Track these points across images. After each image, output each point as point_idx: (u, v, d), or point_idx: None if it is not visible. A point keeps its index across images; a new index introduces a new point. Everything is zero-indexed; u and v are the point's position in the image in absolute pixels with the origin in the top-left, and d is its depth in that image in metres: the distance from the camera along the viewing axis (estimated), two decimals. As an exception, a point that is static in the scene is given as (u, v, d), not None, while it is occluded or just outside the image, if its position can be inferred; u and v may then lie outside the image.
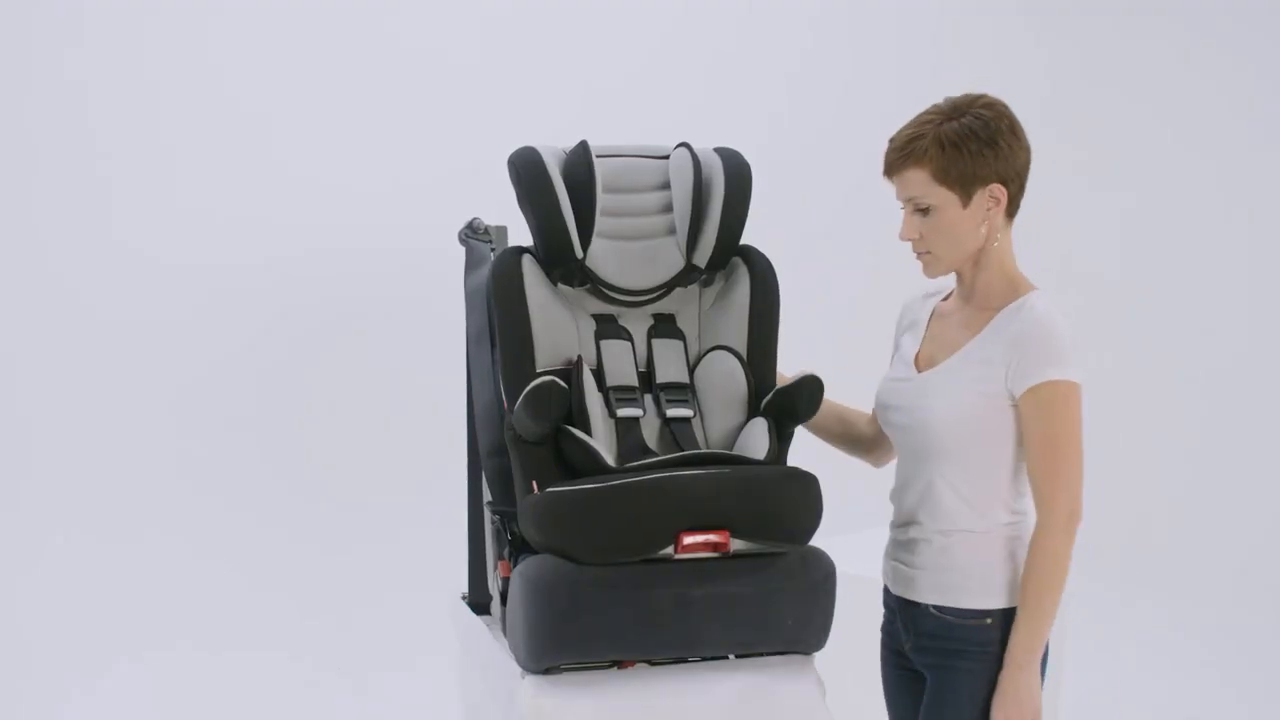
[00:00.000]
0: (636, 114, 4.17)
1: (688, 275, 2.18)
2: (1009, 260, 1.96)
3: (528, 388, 1.87)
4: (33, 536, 3.58)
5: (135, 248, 3.75)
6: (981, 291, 1.96)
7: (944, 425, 1.90)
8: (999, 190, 1.87)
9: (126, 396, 3.74)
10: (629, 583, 1.79)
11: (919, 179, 1.88)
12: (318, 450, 3.95)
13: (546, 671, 1.86)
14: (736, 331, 2.13)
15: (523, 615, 1.82)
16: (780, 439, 2.03)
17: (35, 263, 3.65)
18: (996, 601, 1.90)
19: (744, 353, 2.11)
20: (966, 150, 1.83)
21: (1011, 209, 1.92)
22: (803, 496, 1.90)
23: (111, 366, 3.73)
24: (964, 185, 1.86)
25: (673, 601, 1.80)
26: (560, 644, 1.81)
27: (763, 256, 2.17)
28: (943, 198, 1.87)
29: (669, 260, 2.17)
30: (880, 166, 1.98)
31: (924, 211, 1.90)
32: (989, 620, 1.89)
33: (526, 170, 2.09)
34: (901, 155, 1.89)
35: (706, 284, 2.22)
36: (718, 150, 2.22)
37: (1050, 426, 1.83)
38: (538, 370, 2.00)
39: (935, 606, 1.93)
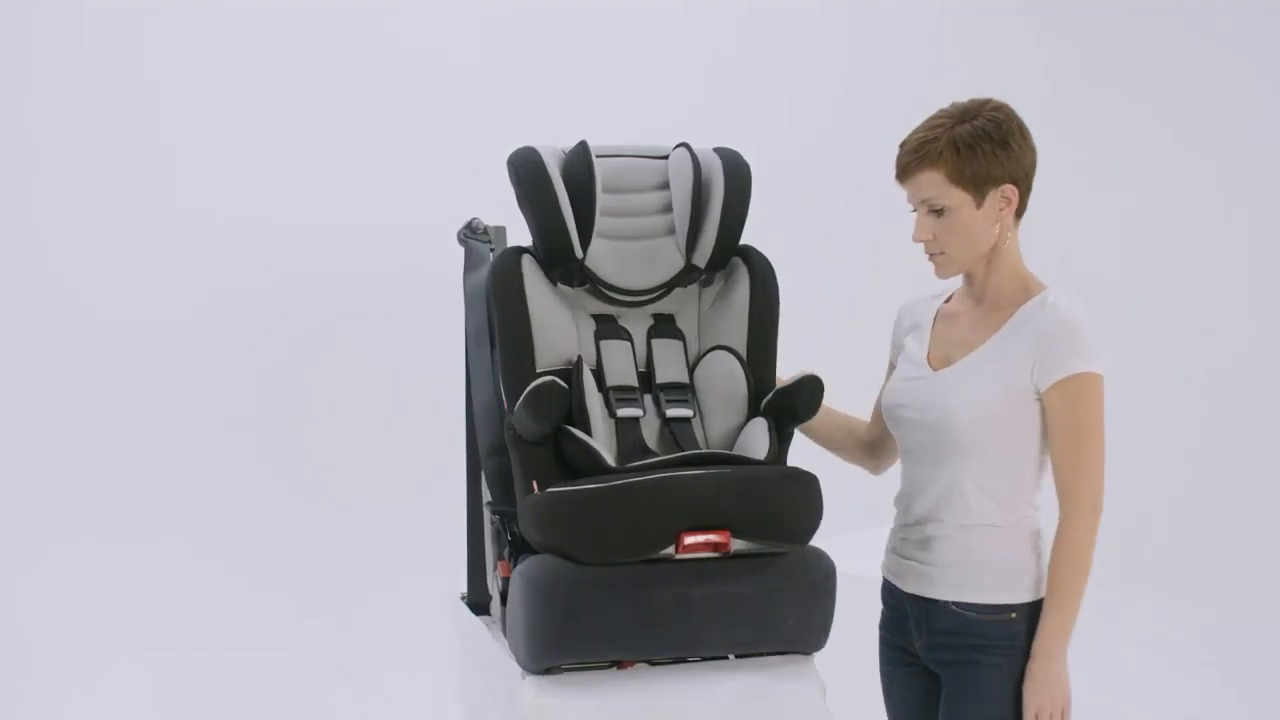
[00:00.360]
0: (636, 114, 4.16)
1: (687, 275, 2.18)
2: (1019, 260, 1.99)
3: (528, 388, 1.87)
4: (32, 536, 3.58)
5: (135, 248, 3.75)
6: (994, 292, 1.99)
7: (966, 421, 1.92)
8: (1011, 190, 1.90)
9: (126, 396, 3.74)
10: (629, 583, 1.79)
11: (934, 180, 1.90)
12: (318, 450, 3.95)
13: (547, 671, 1.87)
14: (736, 331, 2.13)
15: (523, 615, 1.82)
16: (780, 439, 2.03)
17: (35, 263, 3.65)
18: (1020, 595, 1.92)
19: (743, 353, 2.11)
20: (981, 151, 1.87)
21: (1020, 209, 1.95)
22: (803, 496, 1.90)
23: (111, 366, 3.73)
24: (978, 186, 1.88)
25: (673, 601, 1.80)
26: (561, 644, 1.81)
27: (762, 257, 2.17)
28: (957, 198, 1.89)
29: (668, 260, 2.18)
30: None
31: (938, 213, 1.92)
32: (1013, 615, 1.91)
33: (526, 170, 2.09)
34: (916, 157, 1.91)
35: (706, 284, 2.22)
36: (717, 150, 2.22)
37: (1076, 419, 1.86)
38: (538, 370, 2.00)
39: (955, 603, 1.94)
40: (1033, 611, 1.92)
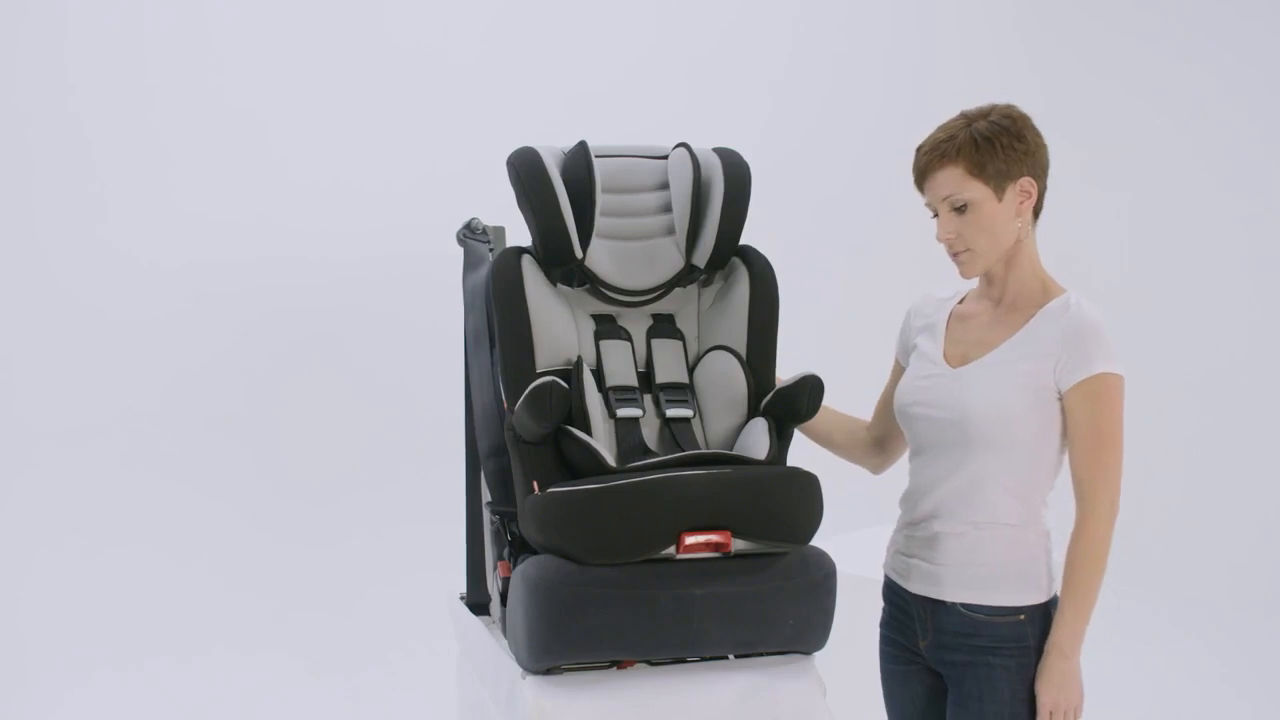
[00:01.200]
0: (626, 115, 4.17)
1: (687, 275, 2.18)
2: (1038, 261, 2.00)
3: (529, 388, 1.87)
4: (22, 537, 3.56)
5: (127, 246, 3.75)
6: (1014, 293, 2.00)
7: (988, 419, 1.91)
8: (1030, 184, 1.92)
9: (124, 397, 3.74)
10: (630, 583, 1.79)
11: (955, 176, 1.91)
12: (311, 449, 3.95)
13: (548, 672, 1.87)
14: (736, 331, 2.13)
15: (523, 615, 1.82)
16: (780, 439, 2.03)
17: (33, 264, 3.65)
18: (1031, 598, 1.92)
19: (743, 353, 2.11)
20: (999, 145, 1.89)
21: (1037, 208, 1.97)
22: (804, 496, 1.89)
23: (113, 367, 3.72)
24: (998, 180, 1.90)
25: (673, 602, 1.80)
26: (561, 644, 1.81)
27: (761, 257, 2.16)
28: (979, 193, 1.90)
29: (668, 260, 2.17)
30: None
31: (960, 210, 1.93)
32: (1022, 616, 1.91)
33: (526, 170, 2.09)
34: (935, 155, 1.93)
35: (706, 284, 2.22)
36: (717, 150, 2.22)
37: (1098, 419, 1.86)
38: (538, 370, 2.01)
39: (964, 605, 1.94)
40: (1042, 612, 1.92)
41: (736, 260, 2.17)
